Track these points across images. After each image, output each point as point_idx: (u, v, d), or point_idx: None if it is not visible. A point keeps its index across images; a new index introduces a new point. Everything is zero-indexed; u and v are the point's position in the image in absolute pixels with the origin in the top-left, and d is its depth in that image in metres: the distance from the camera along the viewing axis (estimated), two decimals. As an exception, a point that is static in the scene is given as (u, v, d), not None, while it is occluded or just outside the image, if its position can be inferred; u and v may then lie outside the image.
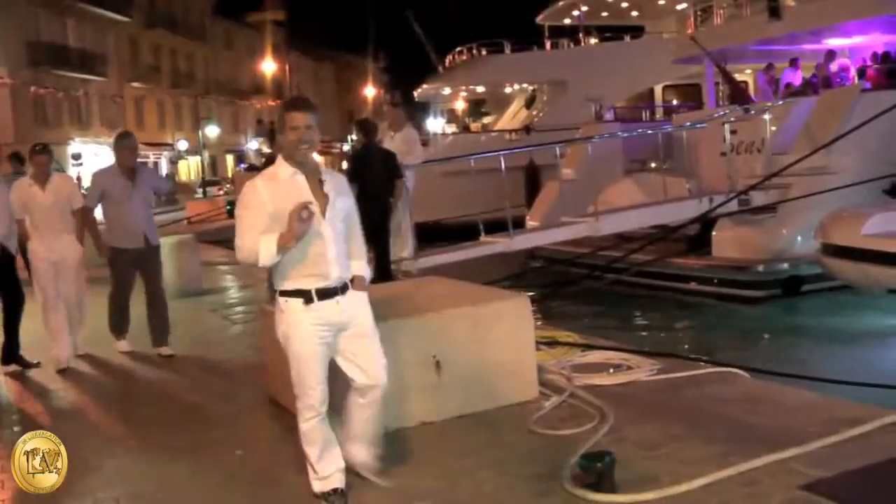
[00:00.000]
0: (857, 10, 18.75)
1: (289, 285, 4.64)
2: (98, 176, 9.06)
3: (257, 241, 4.45)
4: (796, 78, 20.80)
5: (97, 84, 54.09)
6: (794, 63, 21.18)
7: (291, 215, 4.35)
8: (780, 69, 21.96)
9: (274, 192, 4.54)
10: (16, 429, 6.94)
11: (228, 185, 52.56)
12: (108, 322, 9.34)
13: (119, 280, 8.99)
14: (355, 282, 4.82)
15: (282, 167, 4.63)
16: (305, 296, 4.58)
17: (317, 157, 4.91)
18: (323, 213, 4.58)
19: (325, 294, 4.61)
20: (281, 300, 4.68)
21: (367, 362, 4.81)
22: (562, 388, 6.73)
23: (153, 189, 9.16)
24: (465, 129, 39.40)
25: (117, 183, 8.74)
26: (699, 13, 26.15)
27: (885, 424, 5.46)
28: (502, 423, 6.12)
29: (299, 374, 4.67)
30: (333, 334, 4.70)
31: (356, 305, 4.78)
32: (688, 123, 18.73)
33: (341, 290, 4.68)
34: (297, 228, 4.36)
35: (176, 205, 35.83)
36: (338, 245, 4.65)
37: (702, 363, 7.66)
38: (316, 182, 4.63)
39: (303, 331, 4.61)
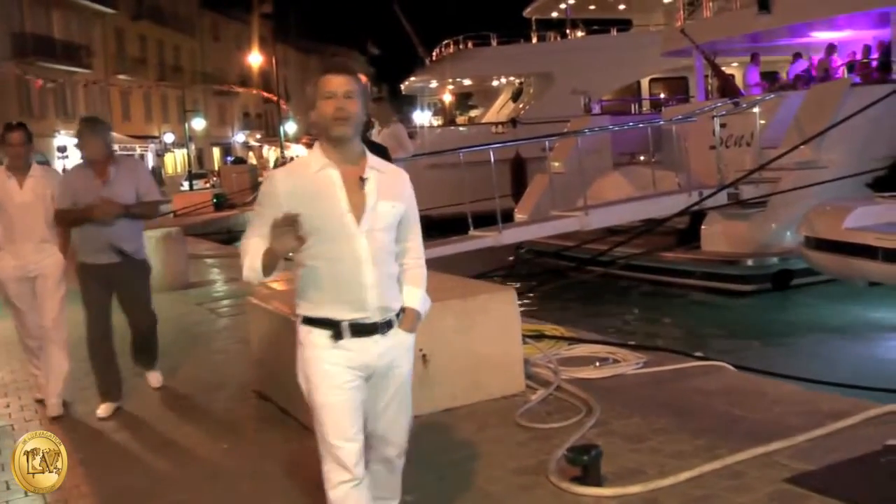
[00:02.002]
0: (846, 4, 18.79)
1: (312, 310, 3.55)
2: (69, 171, 7.18)
3: (248, 251, 3.54)
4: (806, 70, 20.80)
5: (83, 76, 53.80)
6: (798, 57, 21.20)
7: (271, 230, 3.36)
8: (766, 62, 22.04)
9: (295, 189, 3.50)
10: None
11: (215, 178, 52.46)
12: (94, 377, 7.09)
13: (90, 308, 6.83)
14: (404, 317, 3.67)
15: (314, 156, 3.58)
16: (334, 328, 3.50)
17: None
18: (357, 220, 3.48)
19: (360, 330, 3.52)
20: (301, 330, 3.60)
21: (389, 422, 3.76)
22: (548, 381, 6.74)
23: (136, 189, 6.75)
24: (451, 122, 39.35)
25: (84, 180, 6.70)
26: (686, 6, 26.19)
27: (869, 417, 5.48)
28: (489, 417, 6.12)
29: (324, 427, 3.56)
30: (365, 378, 3.62)
31: (399, 350, 3.66)
32: (678, 117, 18.73)
33: (383, 326, 3.56)
34: (276, 246, 3.37)
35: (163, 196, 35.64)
36: (380, 265, 3.52)
37: (688, 356, 7.67)
38: (355, 178, 3.52)
39: (329, 374, 3.53)
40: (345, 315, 3.50)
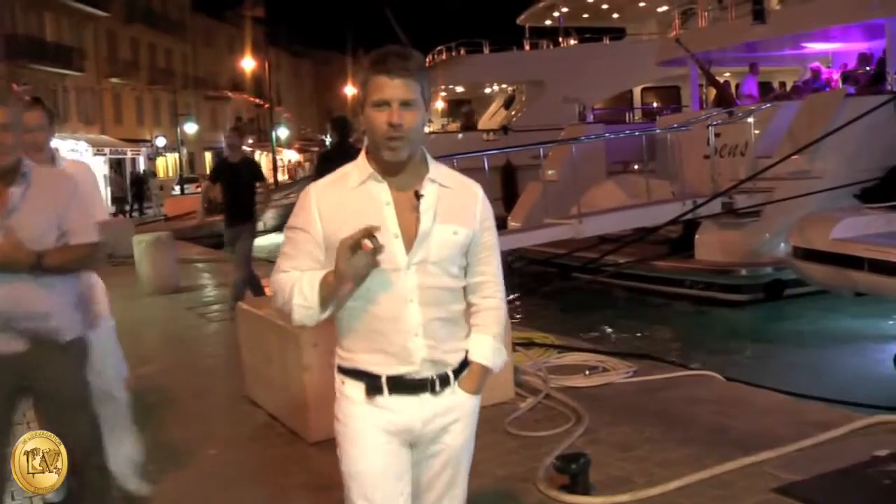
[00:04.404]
0: (840, 15, 18.85)
1: (347, 359, 2.83)
2: None
3: (293, 284, 2.72)
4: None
5: (75, 79, 53.72)
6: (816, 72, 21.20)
7: (341, 248, 2.56)
8: (764, 72, 22.10)
9: (334, 206, 2.75)
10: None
11: (206, 183, 52.54)
12: None
13: None
14: (467, 374, 2.87)
15: (357, 167, 2.79)
16: (370, 382, 2.77)
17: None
18: (407, 248, 2.71)
19: (403, 386, 2.77)
20: (336, 380, 2.88)
21: None
22: (538, 389, 6.74)
23: (57, 223, 3.84)
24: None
25: None
26: (681, 15, 26.24)
27: (856, 428, 5.51)
28: (478, 424, 6.11)
29: (351, 498, 2.88)
30: (409, 444, 2.87)
31: (455, 415, 2.86)
32: (673, 125, 18.75)
33: (433, 384, 2.79)
34: (346, 269, 2.57)
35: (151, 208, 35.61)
36: (432, 307, 2.75)
37: (677, 366, 7.69)
38: (408, 195, 2.74)
39: (361, 435, 2.80)
40: (385, 368, 2.76)
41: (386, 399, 2.76)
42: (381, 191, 2.72)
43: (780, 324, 14.31)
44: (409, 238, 2.70)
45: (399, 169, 2.73)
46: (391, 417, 2.77)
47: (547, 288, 16.19)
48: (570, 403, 6.34)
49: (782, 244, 14.73)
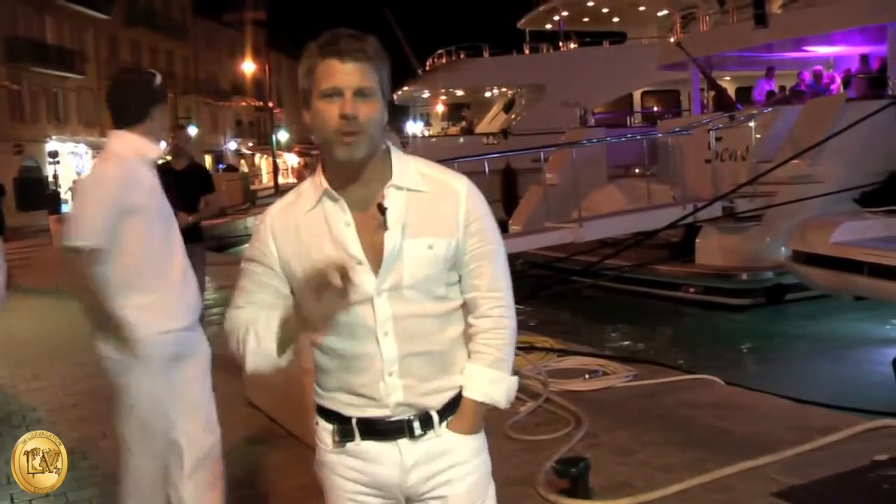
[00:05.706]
0: (842, 19, 18.85)
1: (321, 396, 2.46)
2: None
3: (249, 324, 2.36)
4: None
5: (75, 81, 53.75)
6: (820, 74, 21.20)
7: (306, 290, 2.17)
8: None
9: (288, 232, 2.33)
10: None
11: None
12: None
13: None
14: (458, 412, 2.43)
15: (310, 184, 2.38)
16: (340, 426, 2.39)
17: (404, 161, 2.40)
18: (375, 272, 2.29)
19: (374, 431, 2.36)
20: (315, 418, 2.50)
21: None
22: (538, 393, 6.73)
23: None
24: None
25: None
26: (681, 19, 26.27)
27: (857, 433, 5.50)
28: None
29: None
30: (398, 500, 2.45)
31: (449, 461, 2.42)
32: (675, 129, 18.75)
33: (412, 426, 2.36)
34: (314, 314, 2.18)
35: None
36: (410, 341, 2.31)
37: (678, 370, 7.69)
38: (371, 211, 2.29)
39: (337, 489, 2.45)
40: (355, 410, 2.36)
41: (358, 445, 2.37)
42: (338, 210, 2.30)
43: (780, 328, 14.31)
44: (377, 261, 2.28)
45: (356, 175, 2.29)
46: (365, 468, 2.39)
47: (547, 292, 16.17)
48: (570, 407, 6.33)
49: (783, 248, 14.73)
